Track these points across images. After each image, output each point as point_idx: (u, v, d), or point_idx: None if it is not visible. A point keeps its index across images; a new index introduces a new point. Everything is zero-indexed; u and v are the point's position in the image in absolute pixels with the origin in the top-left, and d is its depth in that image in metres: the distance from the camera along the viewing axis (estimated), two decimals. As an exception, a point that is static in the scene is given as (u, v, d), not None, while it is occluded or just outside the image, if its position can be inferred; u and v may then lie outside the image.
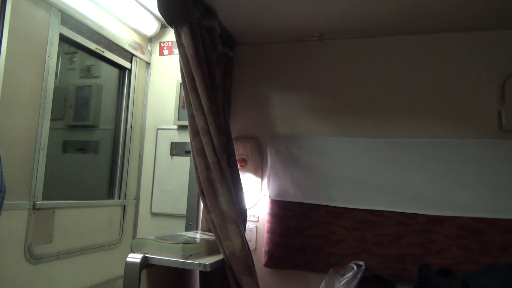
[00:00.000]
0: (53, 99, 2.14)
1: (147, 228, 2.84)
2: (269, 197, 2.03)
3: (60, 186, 2.61)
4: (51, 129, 2.14)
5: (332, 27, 1.94)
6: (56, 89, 2.47)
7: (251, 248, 1.82)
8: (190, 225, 1.95)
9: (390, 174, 1.87)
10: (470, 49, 1.89)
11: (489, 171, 1.77)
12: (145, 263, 1.41)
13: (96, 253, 2.47)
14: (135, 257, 1.40)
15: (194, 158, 1.56)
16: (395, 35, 1.97)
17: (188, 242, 1.52)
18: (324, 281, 1.74)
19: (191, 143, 1.56)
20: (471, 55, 1.88)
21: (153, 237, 1.53)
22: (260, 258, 1.99)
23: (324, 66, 2.07)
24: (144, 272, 1.41)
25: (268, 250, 1.96)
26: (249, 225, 2.03)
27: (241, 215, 1.69)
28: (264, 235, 2.01)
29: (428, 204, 1.81)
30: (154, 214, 2.82)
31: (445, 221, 1.79)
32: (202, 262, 1.37)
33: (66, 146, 2.94)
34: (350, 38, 2.04)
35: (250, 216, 2.04)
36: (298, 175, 1.99)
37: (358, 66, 2.02)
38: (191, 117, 1.55)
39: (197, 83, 1.52)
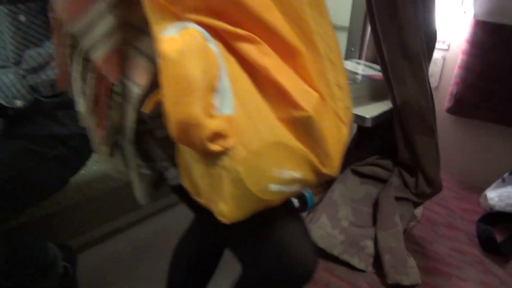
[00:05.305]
0: None
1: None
2: (473, 16, 1.35)
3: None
4: None
5: None
6: None
7: (432, 86, 1.33)
8: (352, 51, 1.51)
9: None
10: None
11: None
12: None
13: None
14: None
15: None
16: None
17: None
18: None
19: None
20: None
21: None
22: (442, 100, 1.50)
23: None
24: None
25: (456, 92, 1.43)
26: (435, 54, 1.47)
27: (427, 42, 1.15)
28: (454, 71, 1.45)
29: None
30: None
31: None
32: (361, 114, 1.01)
33: None
34: None
35: (438, 42, 1.45)
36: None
37: None
38: None
39: None
